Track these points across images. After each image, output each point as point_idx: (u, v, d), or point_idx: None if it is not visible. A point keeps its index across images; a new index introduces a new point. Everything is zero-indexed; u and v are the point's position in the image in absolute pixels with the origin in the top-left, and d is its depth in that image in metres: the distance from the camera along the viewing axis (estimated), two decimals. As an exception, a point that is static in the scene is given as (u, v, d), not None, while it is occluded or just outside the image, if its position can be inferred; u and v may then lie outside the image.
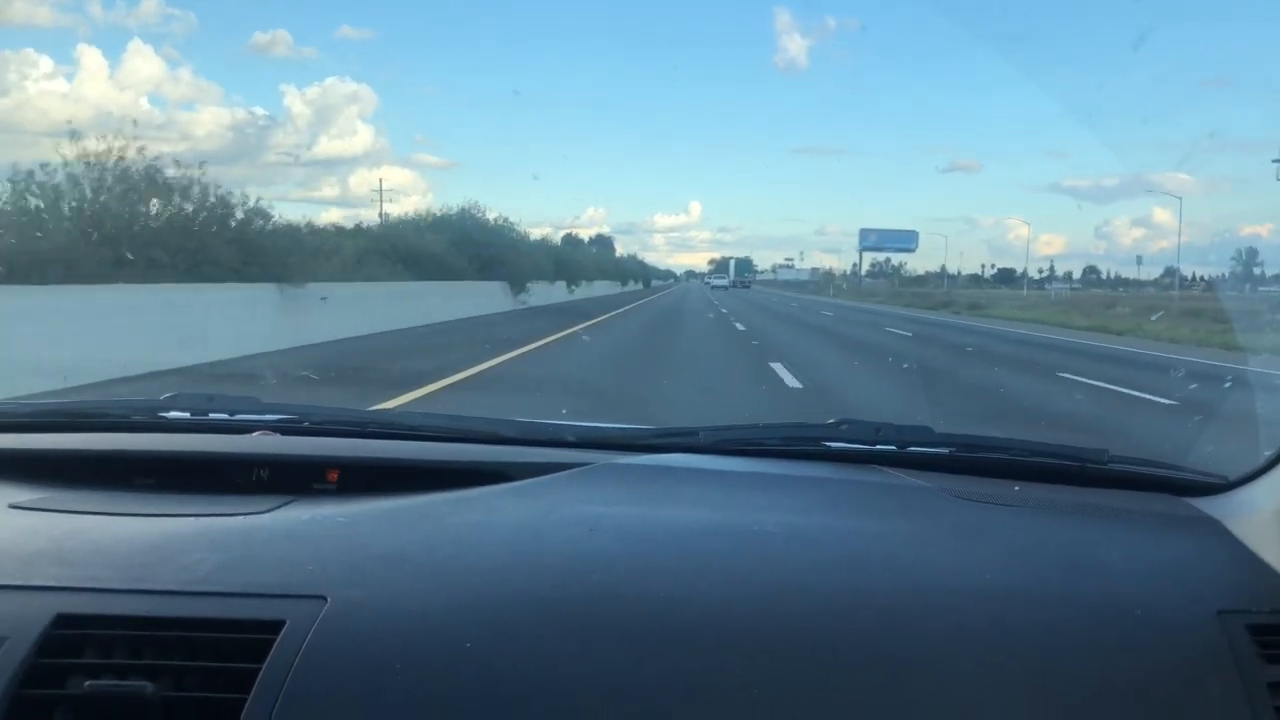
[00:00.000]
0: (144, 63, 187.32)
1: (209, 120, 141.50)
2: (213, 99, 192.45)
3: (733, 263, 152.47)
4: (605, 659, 0.90)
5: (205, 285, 11.99)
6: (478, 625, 0.93)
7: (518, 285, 29.92)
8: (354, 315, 15.45)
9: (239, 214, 13.84)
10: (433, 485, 1.25)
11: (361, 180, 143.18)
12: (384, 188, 66.04)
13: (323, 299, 14.38)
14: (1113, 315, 30.11)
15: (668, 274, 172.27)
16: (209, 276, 12.31)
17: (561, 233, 77.22)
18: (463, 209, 30.97)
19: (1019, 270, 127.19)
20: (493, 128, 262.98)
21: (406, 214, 30.00)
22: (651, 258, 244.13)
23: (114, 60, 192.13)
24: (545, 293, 35.33)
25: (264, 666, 0.87)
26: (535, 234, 44.67)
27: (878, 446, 1.45)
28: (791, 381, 10.48)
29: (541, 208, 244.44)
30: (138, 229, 12.22)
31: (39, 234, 10.98)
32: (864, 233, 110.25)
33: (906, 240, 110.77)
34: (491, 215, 31.95)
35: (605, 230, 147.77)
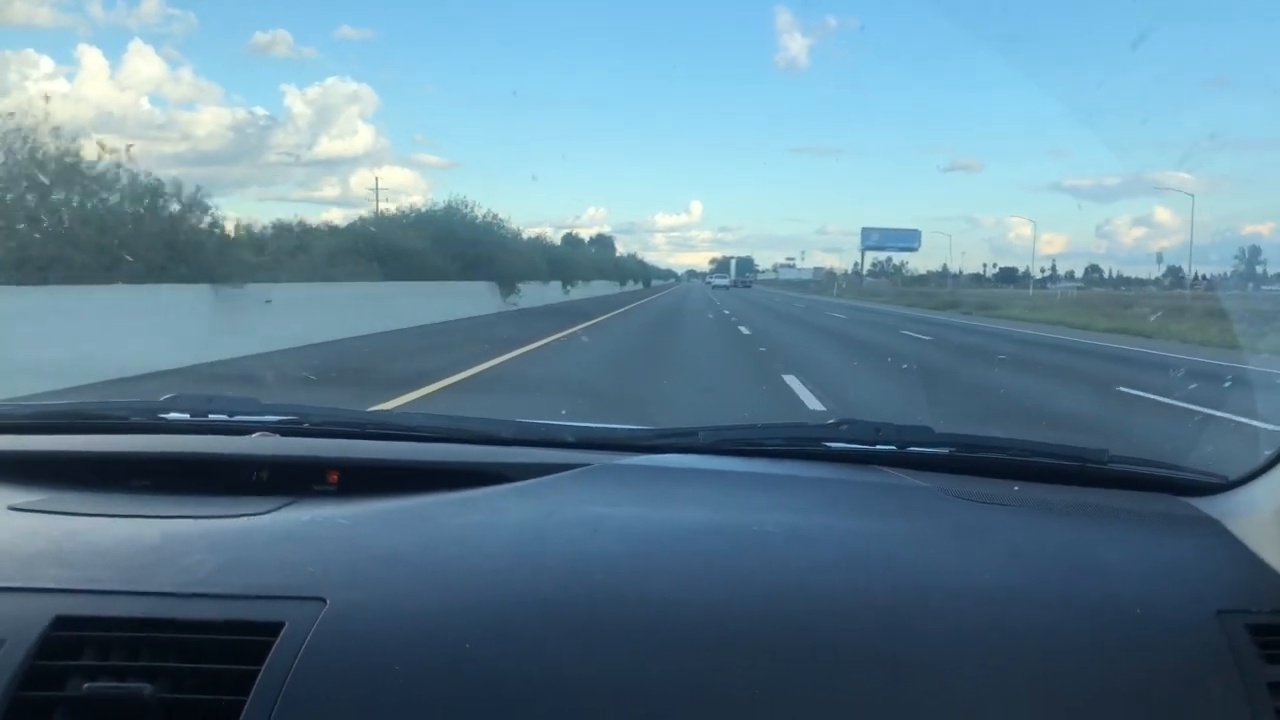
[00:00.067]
0: (144, 63, 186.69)
1: (209, 120, 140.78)
2: (213, 99, 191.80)
3: (734, 262, 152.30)
4: (607, 660, 0.90)
5: (115, 287, 10.18)
6: (478, 627, 0.93)
7: (507, 285, 28.08)
8: (306, 320, 13.63)
9: (173, 206, 12.05)
10: (433, 486, 1.24)
11: (362, 180, 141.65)
12: (385, 188, 64.43)
13: (267, 302, 12.59)
14: (1132, 316, 28.74)
15: (668, 274, 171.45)
16: (131, 277, 10.54)
17: (562, 232, 76.14)
18: (449, 205, 29.05)
19: (1021, 269, 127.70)
20: (493, 128, 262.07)
21: (387, 211, 28.08)
22: (653, 257, 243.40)
23: (114, 60, 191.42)
24: (539, 293, 33.46)
25: (263, 668, 0.87)
26: (536, 233, 43.05)
27: (878, 447, 1.44)
28: (813, 402, 8.69)
29: (542, 207, 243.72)
30: (45, 224, 10.42)
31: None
32: (866, 232, 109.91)
33: (909, 239, 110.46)
34: (480, 211, 30.01)
35: (606, 230, 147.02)
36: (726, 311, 32.78)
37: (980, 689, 0.90)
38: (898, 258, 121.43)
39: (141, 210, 11.61)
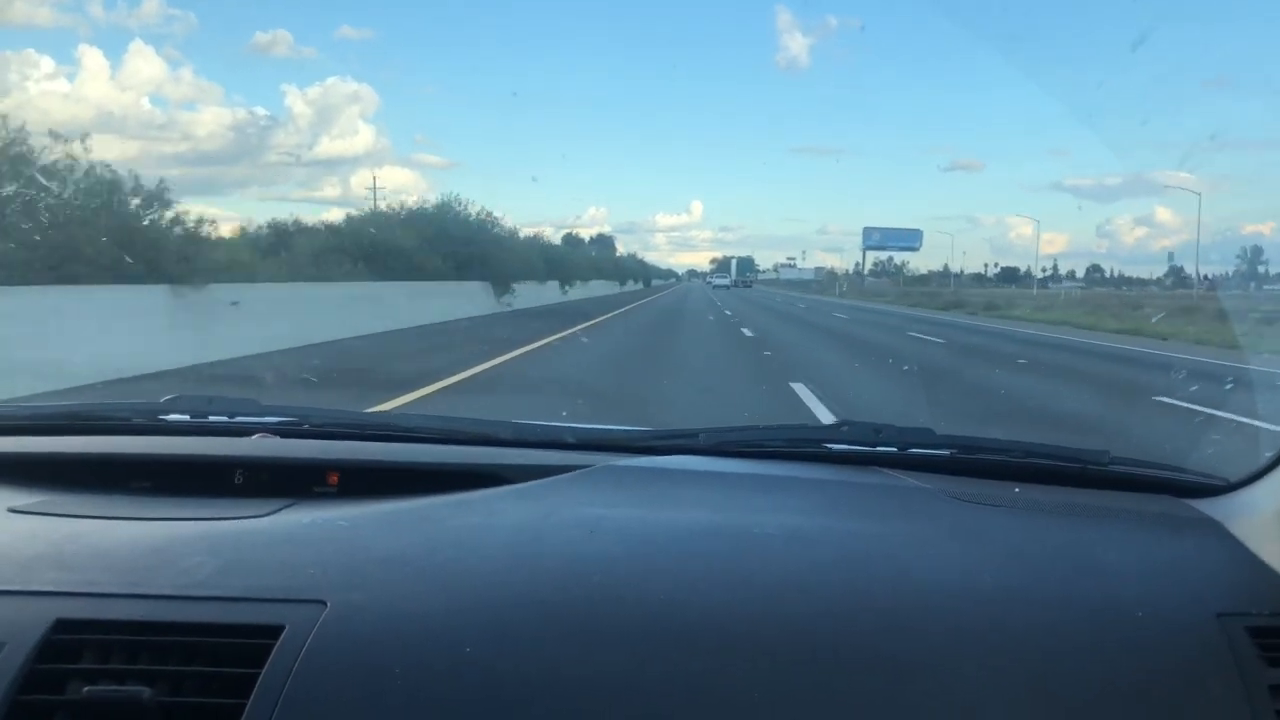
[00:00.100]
0: (145, 63, 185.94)
1: (210, 120, 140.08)
2: (214, 99, 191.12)
3: (734, 262, 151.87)
4: (606, 661, 0.90)
5: (56, 288, 9.26)
6: (478, 628, 0.92)
7: (501, 286, 27.17)
8: (277, 323, 12.71)
9: (133, 202, 11.14)
10: (433, 488, 1.24)
11: (363, 180, 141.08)
12: (386, 188, 63.31)
13: (233, 304, 11.68)
14: (1142, 317, 27.87)
15: (669, 273, 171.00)
16: (79, 277, 9.63)
17: (562, 232, 75.29)
18: (442, 203, 28.16)
19: (1023, 269, 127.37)
20: (494, 127, 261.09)
21: (377, 209, 27.00)
22: (653, 257, 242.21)
23: (115, 61, 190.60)
24: (535, 294, 32.53)
25: (263, 671, 0.87)
26: (531, 233, 41.93)
27: (878, 448, 1.44)
28: (825, 414, 7.79)
29: (543, 207, 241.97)
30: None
31: None
32: (868, 231, 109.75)
33: (911, 239, 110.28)
34: (474, 209, 29.09)
35: (607, 230, 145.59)
36: (728, 312, 31.82)
37: (981, 690, 0.90)
38: (899, 257, 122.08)
39: (95, 205, 10.70)
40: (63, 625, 0.91)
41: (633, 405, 8.42)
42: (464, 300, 23.43)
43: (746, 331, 20.46)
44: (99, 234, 10.22)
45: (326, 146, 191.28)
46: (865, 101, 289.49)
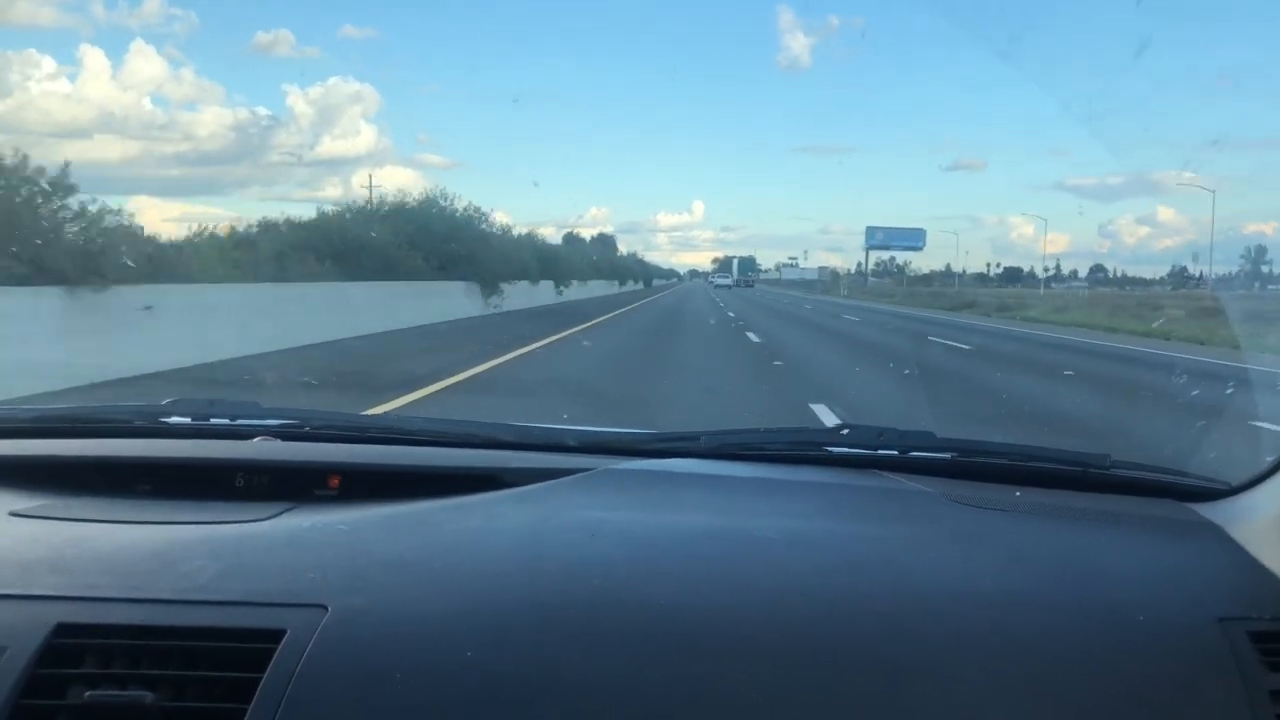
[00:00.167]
0: (146, 63, 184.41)
1: (211, 120, 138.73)
2: (215, 99, 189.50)
3: (736, 262, 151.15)
4: (607, 664, 0.90)
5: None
6: (479, 631, 0.92)
7: (489, 286, 25.32)
8: (203, 331, 10.89)
9: (21, 190, 9.34)
10: (434, 491, 1.24)
11: (365, 180, 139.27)
12: (389, 189, 61.55)
13: (145, 309, 9.86)
14: (1165, 318, 26.13)
15: (671, 273, 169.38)
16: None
17: (564, 231, 73.63)
18: (426, 198, 26.23)
19: (1026, 269, 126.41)
20: (496, 128, 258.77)
21: (353, 202, 24.91)
22: (655, 257, 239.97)
23: (116, 60, 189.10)
24: (527, 294, 30.66)
25: (265, 675, 0.87)
26: (531, 230, 39.98)
27: (880, 451, 1.43)
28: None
29: (545, 207, 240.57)
30: None
31: None
32: (870, 231, 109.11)
33: (914, 239, 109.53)
34: (461, 204, 27.01)
35: (609, 229, 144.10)
36: (731, 314, 29.92)
37: (981, 693, 0.90)
38: (901, 257, 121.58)
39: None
40: (64, 629, 0.91)
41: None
42: (445, 302, 21.61)
43: (752, 337, 18.56)
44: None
45: (328, 146, 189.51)
46: (867, 101, 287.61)
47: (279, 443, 1.41)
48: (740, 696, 0.87)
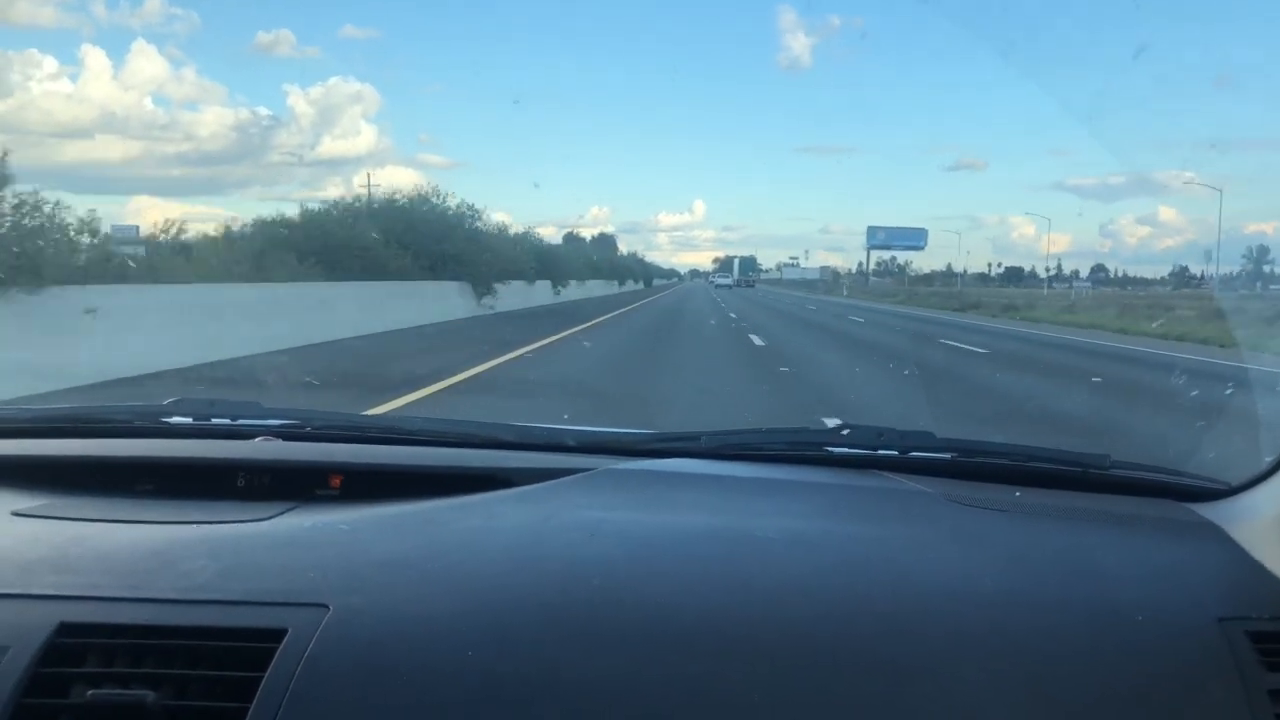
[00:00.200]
0: (148, 63, 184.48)
1: (213, 120, 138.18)
2: (216, 99, 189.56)
3: (737, 261, 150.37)
4: (606, 664, 0.90)
5: None
6: (480, 631, 0.92)
7: (482, 286, 24.37)
8: (158, 336, 9.88)
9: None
10: (435, 491, 1.24)
11: (365, 180, 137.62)
12: (388, 188, 60.35)
13: (88, 312, 8.91)
14: (1177, 319, 25.24)
15: (671, 273, 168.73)
16: None
17: (564, 231, 72.75)
18: (417, 195, 25.24)
19: (1027, 269, 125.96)
20: (497, 128, 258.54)
21: (341, 199, 23.73)
22: (656, 257, 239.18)
23: (118, 60, 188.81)
24: (522, 295, 29.68)
25: (266, 675, 0.87)
26: (528, 229, 38.82)
27: (879, 451, 1.42)
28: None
29: (546, 207, 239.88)
30: None
31: None
32: (872, 230, 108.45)
33: (916, 238, 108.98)
34: (453, 202, 25.95)
35: (610, 229, 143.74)
36: (733, 315, 28.89)
37: (980, 693, 0.90)
38: (902, 257, 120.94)
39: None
40: (66, 629, 0.91)
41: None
42: (435, 302, 20.64)
43: (756, 340, 17.57)
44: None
45: (329, 146, 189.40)
46: (867, 101, 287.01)
47: (280, 443, 1.40)
48: (739, 696, 0.87)
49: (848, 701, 0.87)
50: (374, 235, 19.79)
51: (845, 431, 1.46)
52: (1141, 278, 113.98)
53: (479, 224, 26.66)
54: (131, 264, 11.79)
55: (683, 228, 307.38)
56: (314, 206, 20.99)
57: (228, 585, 0.98)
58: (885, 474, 1.37)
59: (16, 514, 1.16)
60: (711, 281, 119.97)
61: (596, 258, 67.03)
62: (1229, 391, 9.88)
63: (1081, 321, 28.87)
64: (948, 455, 1.41)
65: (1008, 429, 7.51)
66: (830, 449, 1.43)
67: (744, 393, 9.93)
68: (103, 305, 9.17)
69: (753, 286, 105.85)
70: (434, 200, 25.13)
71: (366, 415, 1.79)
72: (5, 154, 8.88)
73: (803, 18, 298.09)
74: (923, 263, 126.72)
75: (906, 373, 12.07)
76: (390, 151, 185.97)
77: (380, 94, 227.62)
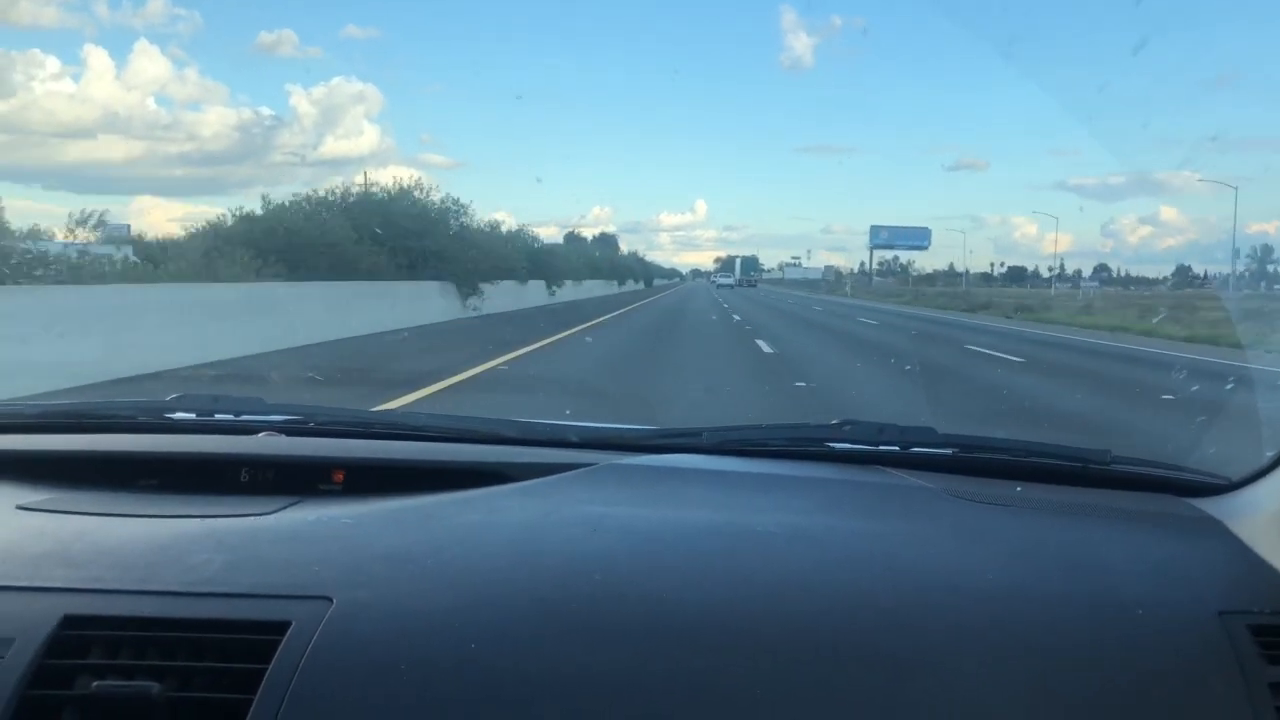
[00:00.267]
0: (150, 63, 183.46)
1: (215, 120, 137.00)
2: (219, 99, 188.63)
3: (738, 261, 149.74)
4: (608, 659, 0.90)
5: None
6: (481, 626, 0.92)
7: (467, 286, 22.63)
8: (54, 348, 8.25)
9: None
10: (437, 486, 1.24)
11: (364, 180, 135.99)
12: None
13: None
14: (1200, 321, 23.58)
15: (673, 273, 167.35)
16: None
17: (565, 231, 71.38)
18: (399, 190, 23.46)
19: (1030, 268, 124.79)
20: (499, 127, 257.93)
21: (314, 193, 21.70)
22: (658, 257, 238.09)
23: (120, 60, 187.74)
24: (514, 295, 27.98)
25: (270, 667, 0.87)
26: (523, 227, 36.81)
27: (881, 447, 1.43)
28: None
29: (548, 207, 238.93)
30: None
31: None
32: (875, 230, 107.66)
33: (919, 238, 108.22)
34: (437, 197, 24.07)
35: (611, 229, 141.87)
36: (736, 317, 27.40)
37: (982, 688, 0.90)
38: (905, 257, 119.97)
39: None
40: (71, 621, 0.92)
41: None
42: (413, 304, 18.99)
43: (764, 346, 15.96)
44: None
45: (332, 146, 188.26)
46: (869, 101, 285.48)
47: (283, 438, 1.40)
48: (741, 691, 0.87)
49: (850, 696, 0.88)
50: (347, 231, 18.09)
51: (847, 427, 1.47)
52: (1144, 277, 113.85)
53: (465, 219, 24.91)
54: (51, 267, 10.22)
55: (684, 228, 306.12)
56: (283, 201, 19.22)
57: (232, 578, 0.98)
58: (887, 469, 1.37)
59: (21, 507, 1.16)
60: (713, 281, 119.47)
61: (597, 255, 65.52)
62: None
63: (1103, 324, 27.46)
64: (949, 451, 1.41)
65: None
66: (832, 445, 1.44)
67: (758, 415, 8.22)
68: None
69: (754, 286, 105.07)
70: (416, 194, 23.40)
71: (370, 411, 1.76)
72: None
73: (804, 18, 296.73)
74: (925, 262, 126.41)
75: (944, 384, 10.40)
76: (393, 151, 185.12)
77: (382, 94, 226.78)
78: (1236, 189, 39.65)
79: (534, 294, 32.03)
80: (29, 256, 10.24)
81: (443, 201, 24.14)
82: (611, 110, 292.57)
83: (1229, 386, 10.85)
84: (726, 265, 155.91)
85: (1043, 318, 32.52)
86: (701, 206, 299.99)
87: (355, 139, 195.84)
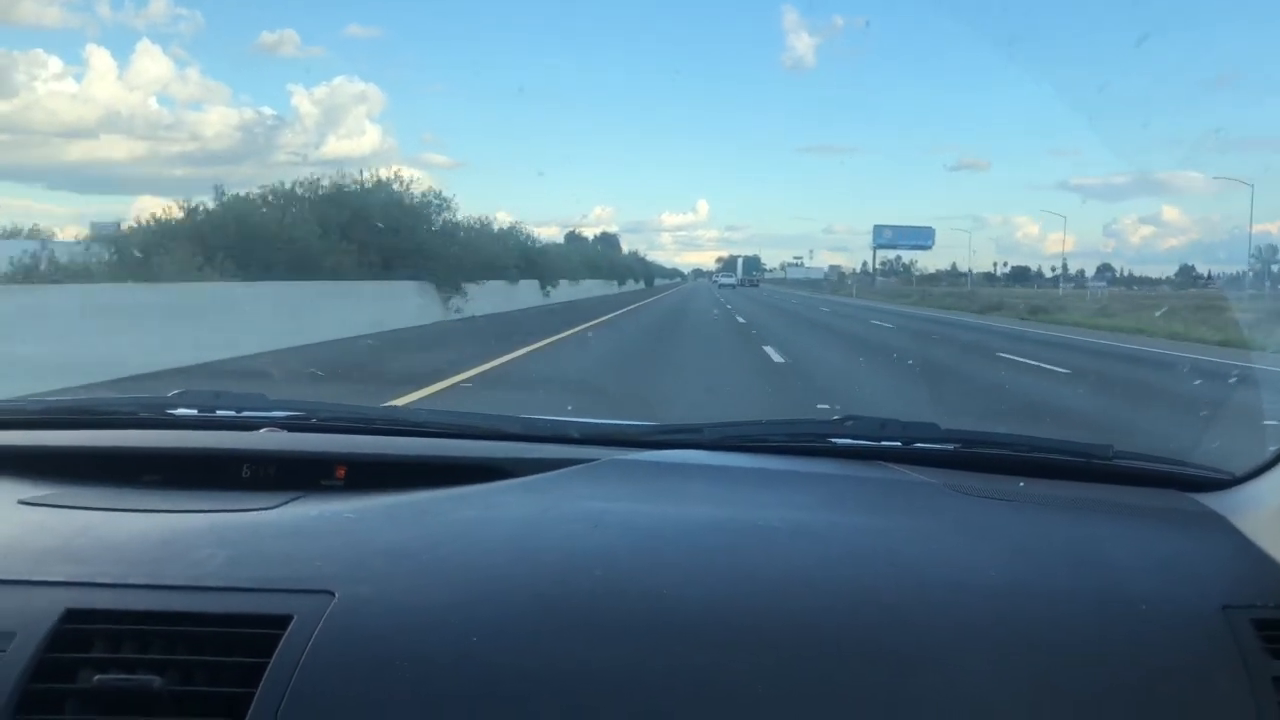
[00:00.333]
0: (152, 63, 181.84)
1: (217, 120, 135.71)
2: (221, 99, 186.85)
3: (740, 261, 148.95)
4: (608, 655, 0.90)
5: None
6: (481, 621, 0.93)
7: (449, 286, 20.85)
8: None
9: None
10: (439, 481, 1.24)
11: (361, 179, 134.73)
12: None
13: None
14: (1230, 322, 22.14)
15: (674, 272, 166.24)
16: None
17: (567, 230, 70.09)
18: (377, 182, 21.59)
19: (1034, 268, 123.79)
20: (501, 128, 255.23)
21: (280, 185, 19.31)
22: (660, 256, 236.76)
23: (122, 60, 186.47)
24: (504, 295, 26.18)
25: (271, 661, 0.88)
26: (516, 224, 34.69)
27: (883, 442, 1.42)
28: None
29: (550, 207, 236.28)
30: None
31: None
32: (878, 229, 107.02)
33: (923, 237, 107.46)
34: (419, 190, 22.14)
35: (613, 229, 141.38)
36: (740, 320, 26.11)
37: (986, 684, 0.90)
38: (908, 256, 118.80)
39: None
40: (73, 615, 0.92)
41: None
42: (384, 306, 17.31)
43: (773, 355, 14.14)
44: None
45: (334, 146, 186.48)
46: (871, 101, 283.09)
47: (285, 434, 1.40)
48: (744, 688, 0.87)
49: (852, 693, 0.88)
50: (310, 227, 16.39)
51: (849, 423, 1.47)
52: (1147, 277, 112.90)
53: (448, 214, 23.11)
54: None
55: (686, 228, 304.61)
56: (241, 193, 17.46)
57: (234, 572, 0.98)
58: (889, 465, 1.37)
59: (24, 503, 1.17)
60: (715, 281, 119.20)
61: (597, 254, 64.31)
62: None
63: (1123, 326, 26.12)
64: (951, 446, 1.41)
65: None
66: (834, 440, 1.44)
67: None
68: None
69: (756, 286, 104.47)
70: (395, 186, 21.60)
71: (372, 407, 1.75)
72: None
73: (805, 17, 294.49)
74: (927, 262, 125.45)
75: (1008, 411, 8.59)
76: (394, 151, 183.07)
77: (384, 94, 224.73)
78: (1252, 186, 38.20)
79: (526, 294, 30.22)
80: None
81: (424, 195, 22.38)
82: (613, 110, 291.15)
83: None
84: (728, 265, 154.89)
85: (1059, 320, 31.10)
86: (703, 206, 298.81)
87: (357, 139, 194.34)
